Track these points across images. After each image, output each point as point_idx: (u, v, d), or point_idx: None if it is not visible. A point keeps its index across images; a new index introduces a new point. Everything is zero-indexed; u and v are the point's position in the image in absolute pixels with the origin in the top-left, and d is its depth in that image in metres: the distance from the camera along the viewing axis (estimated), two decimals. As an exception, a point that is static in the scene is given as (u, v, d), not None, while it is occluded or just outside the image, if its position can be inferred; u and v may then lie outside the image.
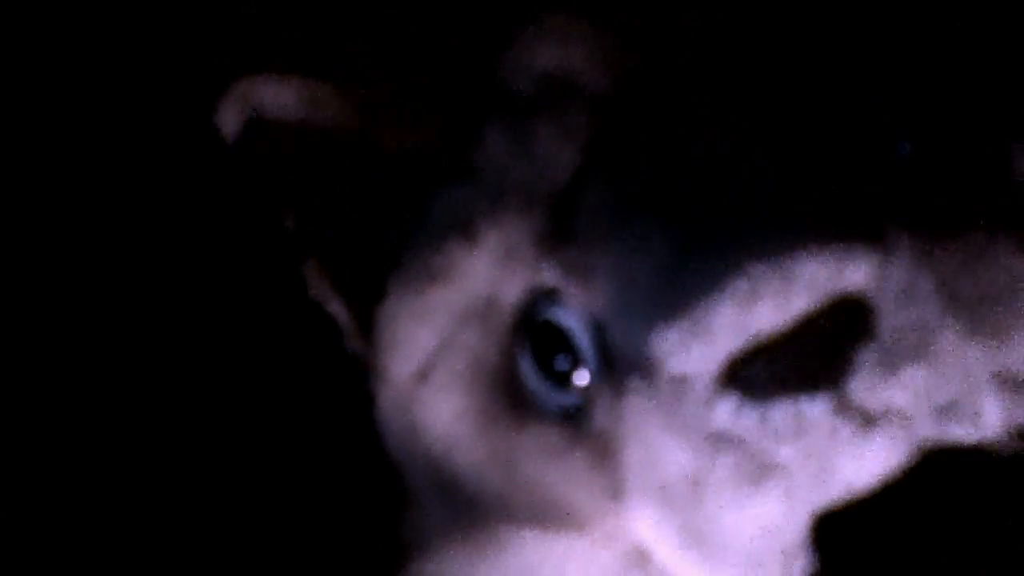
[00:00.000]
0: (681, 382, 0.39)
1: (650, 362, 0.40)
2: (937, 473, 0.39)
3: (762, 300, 0.38)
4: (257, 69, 0.48)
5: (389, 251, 0.50)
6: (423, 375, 0.47)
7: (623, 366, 0.41)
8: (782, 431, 0.38)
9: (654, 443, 0.40)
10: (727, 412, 0.38)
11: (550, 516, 0.44)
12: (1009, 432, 0.39)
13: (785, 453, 0.38)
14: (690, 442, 0.39)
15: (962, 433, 0.38)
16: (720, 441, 0.38)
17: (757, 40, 0.44)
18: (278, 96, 0.48)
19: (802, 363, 0.38)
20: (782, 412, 0.38)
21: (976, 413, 0.38)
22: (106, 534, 0.52)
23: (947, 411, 0.38)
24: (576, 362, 0.44)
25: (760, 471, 0.38)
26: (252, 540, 0.53)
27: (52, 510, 0.51)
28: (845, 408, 0.38)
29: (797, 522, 0.39)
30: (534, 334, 0.45)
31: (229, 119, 0.48)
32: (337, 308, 0.52)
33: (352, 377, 0.50)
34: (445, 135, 0.48)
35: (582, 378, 0.44)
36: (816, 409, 0.38)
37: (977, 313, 0.38)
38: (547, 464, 0.44)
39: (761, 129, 0.42)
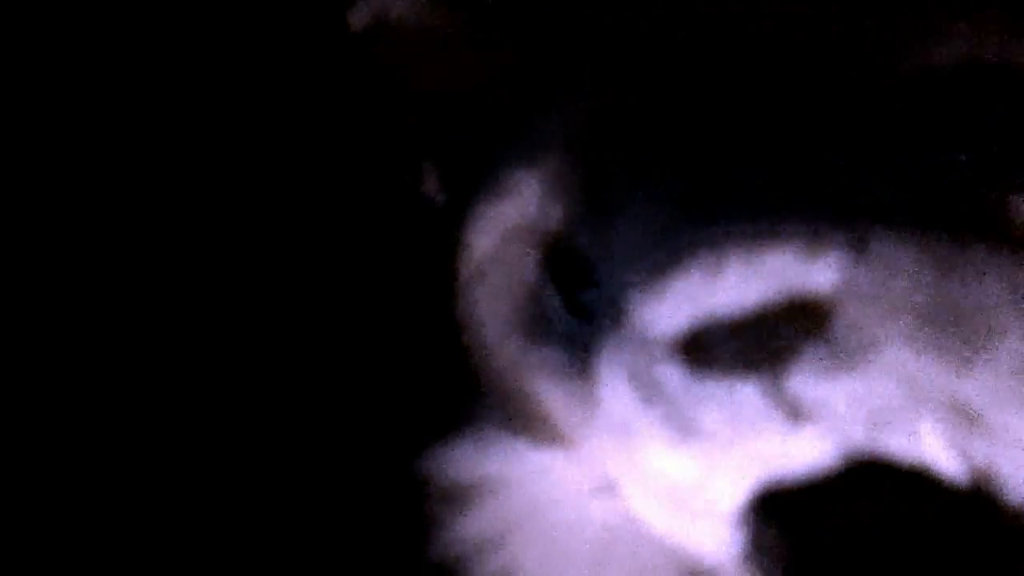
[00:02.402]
0: (643, 335, 0.41)
1: (626, 314, 0.42)
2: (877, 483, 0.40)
3: (724, 280, 0.39)
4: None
5: (483, 162, 0.54)
6: (475, 279, 0.51)
7: (612, 310, 0.44)
8: (712, 403, 0.40)
9: (613, 384, 0.43)
10: (669, 373, 0.41)
11: (542, 429, 0.47)
12: (964, 469, 0.39)
13: (710, 422, 0.40)
14: (634, 390, 0.42)
15: (895, 448, 0.39)
16: (657, 396, 0.41)
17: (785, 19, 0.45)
18: (405, 2, 0.52)
19: (750, 345, 0.40)
20: (717, 386, 0.40)
21: (913, 432, 0.39)
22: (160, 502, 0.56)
23: (883, 423, 0.39)
24: (595, 296, 0.47)
25: (684, 432, 0.40)
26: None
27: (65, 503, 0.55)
28: (776, 397, 0.40)
29: (723, 490, 0.41)
30: (565, 263, 0.48)
31: (358, 18, 0.52)
32: (441, 202, 0.56)
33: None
34: (544, 67, 0.51)
35: (597, 312, 0.47)
36: (747, 390, 0.40)
37: (937, 332, 0.39)
38: (547, 382, 0.47)
39: (782, 111, 0.43)
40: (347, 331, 0.58)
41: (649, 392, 0.41)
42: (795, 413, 0.39)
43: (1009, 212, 0.41)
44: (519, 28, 0.51)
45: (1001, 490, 0.40)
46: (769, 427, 0.40)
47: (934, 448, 0.39)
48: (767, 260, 0.39)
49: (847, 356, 0.39)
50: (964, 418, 0.39)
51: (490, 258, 0.51)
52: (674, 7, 0.46)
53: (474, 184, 0.53)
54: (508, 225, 0.50)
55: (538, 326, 0.49)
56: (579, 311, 0.48)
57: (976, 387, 0.39)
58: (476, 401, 0.53)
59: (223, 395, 0.57)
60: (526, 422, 0.49)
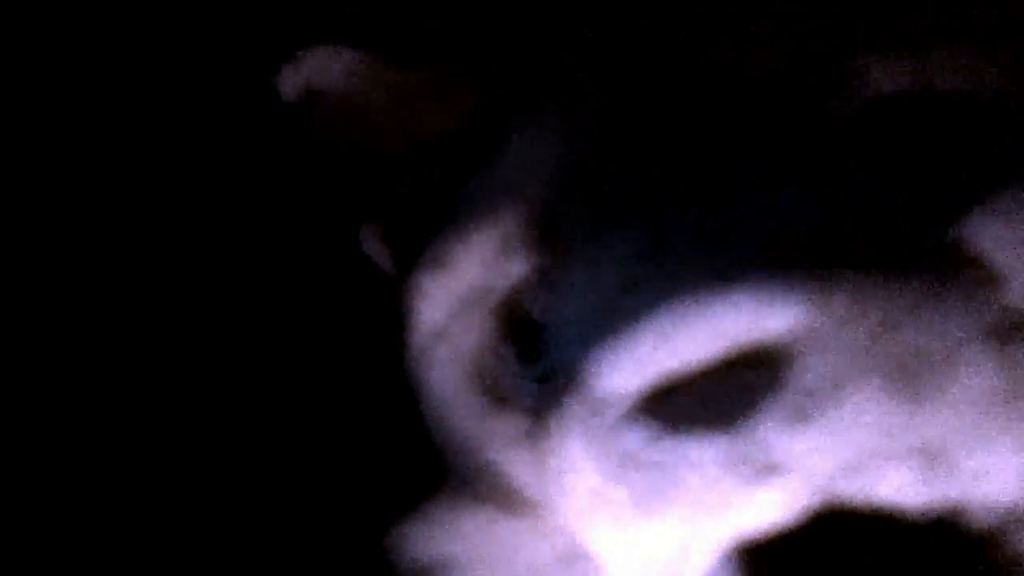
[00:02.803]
0: (601, 401, 0.41)
1: (581, 377, 0.41)
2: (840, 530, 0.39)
3: (677, 338, 0.39)
4: (317, 41, 0.51)
5: (429, 223, 0.53)
6: (426, 353, 0.50)
7: (567, 374, 0.43)
8: (682, 465, 0.39)
9: (576, 453, 0.42)
10: (635, 438, 0.40)
11: (507, 501, 0.46)
12: (923, 506, 0.39)
13: (683, 486, 0.39)
14: (602, 460, 0.41)
15: (865, 495, 0.39)
16: (626, 465, 0.40)
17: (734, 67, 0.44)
18: (334, 68, 0.51)
19: (714, 401, 0.39)
20: (684, 447, 0.39)
21: (884, 477, 0.39)
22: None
23: (852, 471, 0.39)
24: (546, 359, 0.46)
25: (658, 498, 0.40)
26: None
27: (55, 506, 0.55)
28: (745, 452, 0.39)
29: (701, 549, 0.40)
30: (516, 328, 0.47)
31: (289, 86, 0.51)
32: (386, 265, 0.55)
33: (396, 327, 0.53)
34: (478, 127, 0.50)
35: (549, 375, 0.46)
36: (715, 450, 0.39)
37: (898, 374, 0.38)
38: (508, 453, 0.46)
39: (725, 160, 0.42)
40: (298, 409, 0.57)
41: (614, 458, 0.40)
42: (764, 466, 0.39)
43: (959, 243, 0.41)
44: (462, 81, 0.50)
45: (968, 522, 0.39)
46: (739, 483, 0.39)
47: (902, 489, 0.39)
48: (720, 313, 0.39)
49: (812, 406, 0.39)
50: (930, 456, 0.39)
51: (440, 329, 0.50)
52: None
53: (418, 249, 0.53)
54: (454, 296, 0.49)
55: (494, 394, 0.48)
56: (534, 376, 0.47)
57: (940, 424, 0.39)
58: (437, 475, 0.51)
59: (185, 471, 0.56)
60: (491, 493, 0.48)
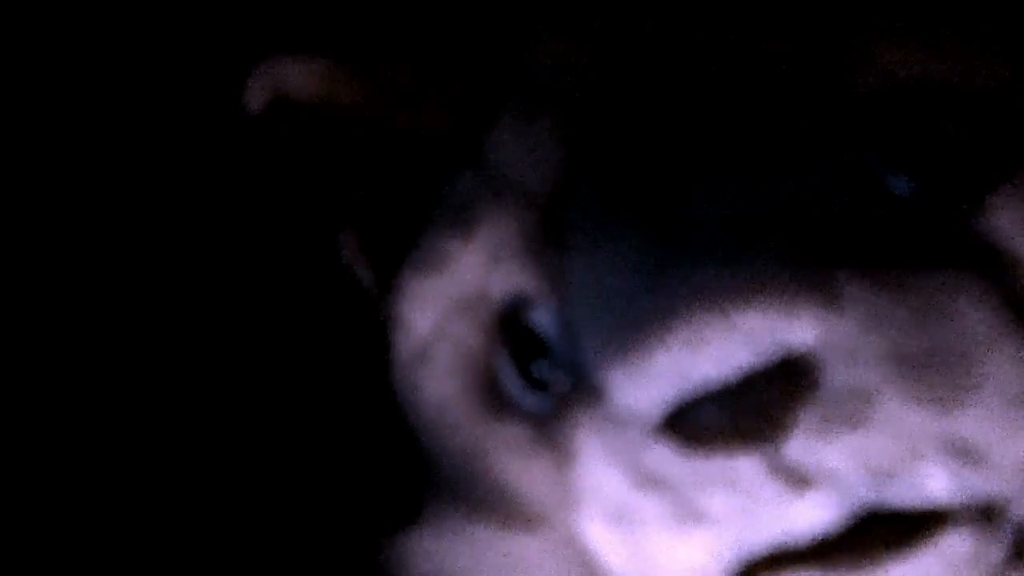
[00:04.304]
0: (622, 416, 0.39)
1: (599, 388, 0.40)
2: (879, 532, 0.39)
3: (704, 350, 0.38)
4: (283, 50, 0.49)
5: (409, 230, 0.51)
6: (418, 359, 0.48)
7: (582, 382, 0.42)
8: (712, 482, 0.38)
9: (596, 467, 0.40)
10: (661, 455, 0.39)
11: (511, 513, 0.45)
12: (963, 504, 0.38)
13: (714, 504, 0.38)
14: (626, 476, 0.40)
15: (902, 500, 0.38)
16: (652, 482, 0.39)
17: (748, 57, 0.43)
18: (301, 76, 0.49)
19: (741, 415, 0.38)
20: (714, 463, 0.38)
21: (917, 481, 0.38)
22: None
23: (886, 477, 0.38)
24: (552, 368, 0.45)
25: (688, 518, 0.39)
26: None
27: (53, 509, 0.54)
28: (777, 466, 0.38)
29: (727, 570, 0.39)
30: (515, 335, 0.45)
31: (254, 97, 0.49)
32: (366, 277, 0.53)
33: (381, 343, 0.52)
34: (461, 122, 0.49)
35: (557, 385, 0.44)
36: (748, 464, 0.38)
37: (925, 376, 0.38)
38: (513, 462, 0.45)
39: (739, 153, 0.41)
40: (282, 424, 0.55)
41: (642, 477, 0.39)
42: (797, 480, 0.38)
43: (975, 233, 0.40)
44: (443, 80, 0.49)
45: (1009, 517, 0.39)
46: (770, 499, 0.38)
47: (938, 491, 0.38)
48: (747, 322, 0.37)
49: (842, 415, 0.38)
50: (963, 455, 0.38)
51: (433, 336, 0.48)
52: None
53: (402, 255, 0.51)
54: (450, 299, 0.48)
55: (494, 403, 0.47)
56: (536, 383, 0.45)
57: (971, 422, 0.38)
58: (432, 489, 0.50)
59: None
60: (492, 504, 0.47)
